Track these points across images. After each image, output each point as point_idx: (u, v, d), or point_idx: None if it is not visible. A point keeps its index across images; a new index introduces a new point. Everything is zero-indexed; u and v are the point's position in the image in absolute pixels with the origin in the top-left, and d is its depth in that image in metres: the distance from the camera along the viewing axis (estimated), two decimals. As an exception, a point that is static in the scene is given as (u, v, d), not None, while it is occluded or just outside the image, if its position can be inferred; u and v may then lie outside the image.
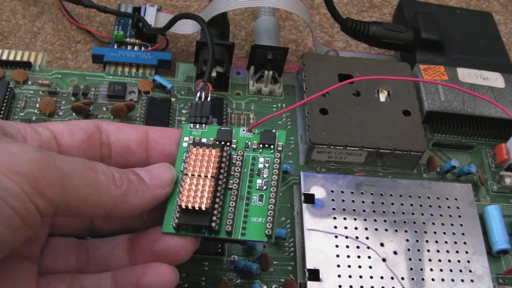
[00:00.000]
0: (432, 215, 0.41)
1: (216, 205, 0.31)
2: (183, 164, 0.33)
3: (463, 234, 0.40)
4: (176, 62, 0.51)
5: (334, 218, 0.40)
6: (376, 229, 0.40)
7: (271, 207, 0.32)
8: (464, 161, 0.47)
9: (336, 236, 0.39)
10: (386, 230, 0.40)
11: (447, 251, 0.39)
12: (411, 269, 0.38)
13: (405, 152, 0.44)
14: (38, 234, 0.30)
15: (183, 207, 0.30)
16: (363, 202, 0.41)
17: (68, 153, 0.30)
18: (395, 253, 0.39)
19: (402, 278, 0.38)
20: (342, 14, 0.52)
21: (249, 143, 0.34)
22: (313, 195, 0.41)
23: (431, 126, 0.48)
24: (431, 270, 0.38)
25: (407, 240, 0.39)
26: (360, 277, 0.37)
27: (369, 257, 0.38)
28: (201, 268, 0.39)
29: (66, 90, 0.47)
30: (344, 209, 0.40)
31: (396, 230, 0.40)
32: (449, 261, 0.39)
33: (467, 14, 0.56)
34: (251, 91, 0.49)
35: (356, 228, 0.39)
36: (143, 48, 0.52)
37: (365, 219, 0.40)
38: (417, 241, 0.39)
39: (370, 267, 0.38)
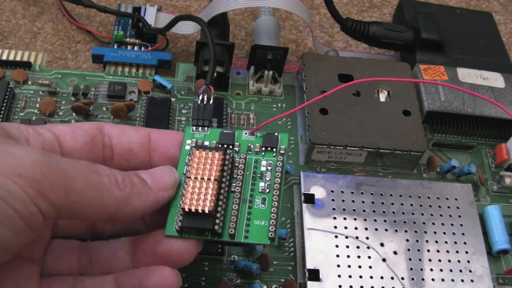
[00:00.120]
0: (432, 215, 0.41)
1: (219, 208, 0.31)
2: (185, 167, 0.33)
3: (463, 234, 0.40)
4: (176, 62, 0.51)
5: (334, 218, 0.40)
6: (376, 229, 0.40)
7: (274, 210, 0.32)
8: (464, 161, 0.48)
9: (336, 236, 0.39)
10: (386, 230, 0.40)
11: (447, 251, 0.39)
12: (411, 269, 0.38)
13: (405, 152, 0.44)
14: (41, 236, 0.30)
15: (187, 210, 0.30)
16: (363, 202, 0.41)
17: (70, 155, 0.30)
18: (395, 253, 0.39)
19: (402, 278, 0.38)
20: (342, 14, 0.52)
21: (252, 146, 0.34)
22: (313, 195, 0.41)
23: (431, 126, 0.48)
24: (431, 270, 0.38)
25: (407, 240, 0.39)
26: (360, 277, 0.38)
27: (369, 257, 0.38)
28: (201, 268, 0.39)
29: (66, 90, 0.47)
30: (344, 209, 0.40)
31: (396, 230, 0.40)
32: (449, 261, 0.39)
33: (467, 14, 0.56)
34: (251, 91, 0.49)
35: (356, 228, 0.40)
36: (143, 48, 0.52)
37: (365, 219, 0.40)
38: (417, 241, 0.40)
39: (370, 267, 0.38)
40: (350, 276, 0.37)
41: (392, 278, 0.38)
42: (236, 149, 0.34)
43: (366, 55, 0.56)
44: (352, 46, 0.58)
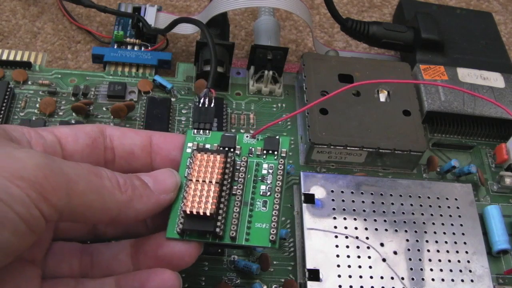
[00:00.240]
0: (432, 215, 0.41)
1: (220, 210, 0.31)
2: (187, 169, 0.33)
3: (463, 234, 0.40)
4: (176, 62, 0.51)
5: (334, 218, 0.40)
6: (376, 229, 0.40)
7: (275, 213, 0.32)
8: (464, 161, 0.48)
9: (336, 236, 0.39)
10: (386, 230, 0.40)
11: (447, 251, 0.39)
12: (411, 269, 0.38)
13: (405, 152, 0.44)
14: (42, 238, 0.30)
15: (188, 212, 0.30)
16: (363, 202, 0.41)
17: (72, 158, 0.30)
18: (395, 253, 0.39)
19: (402, 278, 0.38)
20: (342, 14, 0.52)
21: (253, 149, 0.34)
22: (313, 195, 0.41)
23: (431, 126, 0.48)
24: (431, 270, 0.39)
25: (407, 240, 0.40)
26: (360, 277, 0.38)
27: (369, 257, 0.38)
28: (201, 268, 0.39)
29: (66, 90, 0.47)
30: (344, 209, 0.40)
31: (396, 230, 0.40)
32: (449, 261, 0.39)
33: (467, 14, 0.56)
34: (251, 91, 0.50)
35: (356, 228, 0.40)
36: (143, 48, 0.52)
37: (365, 219, 0.40)
38: (417, 241, 0.40)
39: (370, 267, 0.38)
40: (350, 276, 0.38)
41: (392, 278, 0.38)
42: (238, 152, 0.34)
43: (366, 55, 0.56)
44: (352, 46, 0.58)
